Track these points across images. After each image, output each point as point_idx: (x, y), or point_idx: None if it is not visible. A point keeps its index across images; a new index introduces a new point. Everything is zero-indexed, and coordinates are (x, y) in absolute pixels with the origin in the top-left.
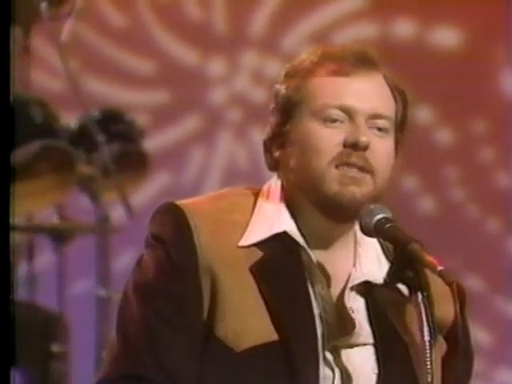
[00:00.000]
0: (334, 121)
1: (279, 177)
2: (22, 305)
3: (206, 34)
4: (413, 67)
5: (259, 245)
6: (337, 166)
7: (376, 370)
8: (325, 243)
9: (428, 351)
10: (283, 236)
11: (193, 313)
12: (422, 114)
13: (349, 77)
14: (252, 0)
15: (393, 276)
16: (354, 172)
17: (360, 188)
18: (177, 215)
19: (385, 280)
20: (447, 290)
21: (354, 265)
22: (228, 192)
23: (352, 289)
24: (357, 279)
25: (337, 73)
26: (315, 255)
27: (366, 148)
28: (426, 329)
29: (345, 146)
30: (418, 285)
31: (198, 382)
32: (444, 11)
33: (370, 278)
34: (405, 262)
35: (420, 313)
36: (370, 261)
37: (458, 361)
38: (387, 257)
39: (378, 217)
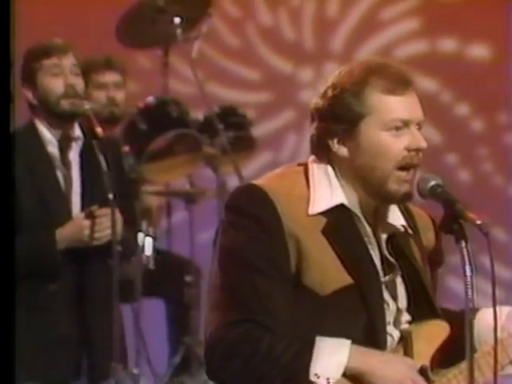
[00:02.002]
0: (398, 129)
1: (318, 157)
2: (162, 251)
3: (298, 49)
4: (454, 74)
5: (323, 213)
6: (399, 168)
7: (405, 295)
8: (368, 207)
9: (470, 284)
10: (340, 206)
11: (284, 268)
12: (462, 108)
13: (402, 96)
14: (333, 23)
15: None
16: (410, 174)
17: (410, 184)
18: (260, 192)
19: (402, 226)
20: (429, 222)
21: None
22: (283, 172)
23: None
24: (387, 230)
25: (393, 92)
26: (363, 215)
27: None
28: (467, 267)
29: (408, 150)
30: (462, 235)
31: (292, 324)
32: (478, 32)
33: (397, 228)
34: (452, 217)
35: (463, 255)
36: (390, 212)
37: (437, 271)
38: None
39: (432, 183)
